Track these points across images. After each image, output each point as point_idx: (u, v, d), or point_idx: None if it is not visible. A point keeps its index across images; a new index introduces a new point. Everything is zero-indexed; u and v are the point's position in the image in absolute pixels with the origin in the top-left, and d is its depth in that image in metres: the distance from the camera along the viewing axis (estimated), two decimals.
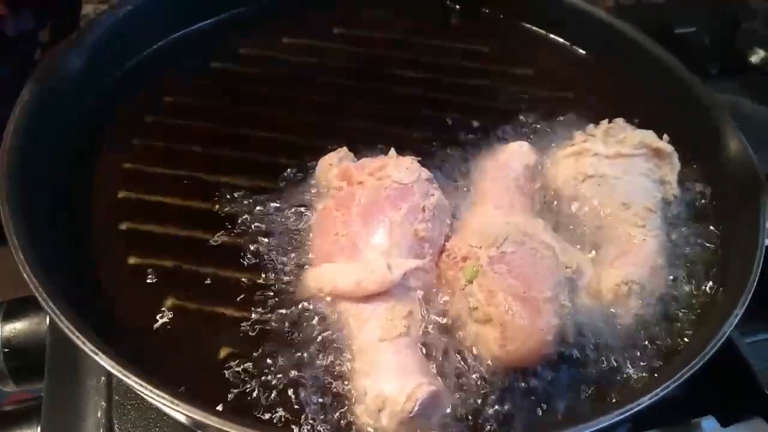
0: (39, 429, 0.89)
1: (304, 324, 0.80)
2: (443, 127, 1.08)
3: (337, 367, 0.76)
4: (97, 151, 0.97)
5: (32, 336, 0.99)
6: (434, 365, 0.77)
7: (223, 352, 0.78)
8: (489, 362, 0.77)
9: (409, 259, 0.81)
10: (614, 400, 0.76)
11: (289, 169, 0.96)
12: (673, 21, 1.48)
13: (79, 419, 0.86)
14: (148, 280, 0.84)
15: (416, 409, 0.69)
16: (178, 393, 0.64)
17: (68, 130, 0.97)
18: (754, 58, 1.47)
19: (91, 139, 0.98)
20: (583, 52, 1.27)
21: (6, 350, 0.99)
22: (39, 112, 0.91)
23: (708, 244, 0.94)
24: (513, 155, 0.97)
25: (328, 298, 0.80)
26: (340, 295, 0.79)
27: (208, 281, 0.85)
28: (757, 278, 0.82)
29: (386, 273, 0.77)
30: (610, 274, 0.85)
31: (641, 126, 1.00)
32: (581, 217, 0.92)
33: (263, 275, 0.84)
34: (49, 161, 0.92)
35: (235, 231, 0.89)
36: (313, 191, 0.93)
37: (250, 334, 0.79)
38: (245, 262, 0.86)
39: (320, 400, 0.73)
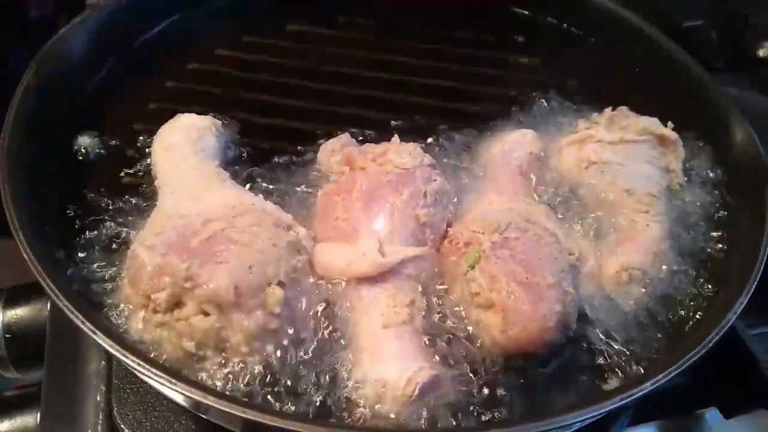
0: (39, 414, 0.88)
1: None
2: (448, 114, 1.07)
3: (338, 352, 0.75)
4: (99, 135, 0.97)
5: (33, 322, 0.99)
6: (435, 350, 0.76)
7: None
8: (490, 348, 0.76)
9: (409, 245, 0.81)
10: (616, 387, 0.75)
11: (292, 155, 0.96)
12: (681, 14, 1.47)
13: (78, 404, 0.86)
14: None
15: (416, 393, 0.69)
16: (176, 373, 0.63)
17: (69, 114, 0.97)
18: (761, 52, 1.46)
19: (93, 124, 0.98)
20: (590, 41, 1.26)
21: (7, 336, 0.99)
22: (40, 96, 0.91)
23: (714, 233, 0.93)
24: (517, 143, 0.96)
25: (329, 283, 0.79)
26: (333, 275, 0.78)
27: None
28: (762, 268, 0.81)
29: (377, 257, 0.77)
30: (611, 260, 0.84)
31: (647, 116, 0.99)
32: (585, 203, 0.92)
33: None
34: (50, 145, 0.92)
35: None
36: (315, 176, 0.93)
37: None
38: None
39: (321, 384, 0.73)
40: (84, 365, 0.89)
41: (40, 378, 0.93)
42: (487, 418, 0.72)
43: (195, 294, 0.69)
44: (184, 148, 0.88)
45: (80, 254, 0.82)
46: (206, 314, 0.69)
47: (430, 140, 1.00)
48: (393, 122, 1.03)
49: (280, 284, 0.72)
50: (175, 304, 0.70)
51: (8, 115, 0.86)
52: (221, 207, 0.78)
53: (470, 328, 0.78)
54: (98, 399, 0.85)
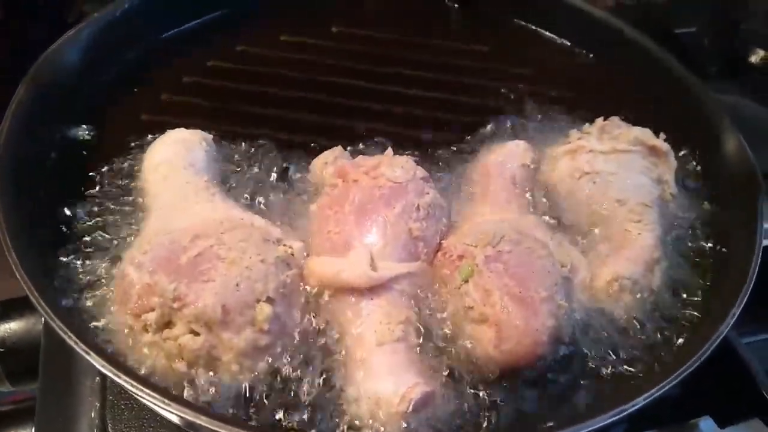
0: (33, 429, 0.88)
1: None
2: (440, 125, 1.07)
3: (331, 369, 0.75)
4: (92, 148, 0.97)
5: (27, 336, 0.99)
6: (429, 365, 0.76)
7: None
8: (484, 362, 0.76)
9: (401, 258, 0.81)
10: (610, 400, 0.75)
11: (284, 167, 0.96)
12: (673, 21, 1.47)
13: (73, 419, 0.86)
14: None
15: (410, 409, 0.69)
16: (169, 393, 0.63)
17: (62, 128, 0.97)
18: (754, 59, 1.46)
19: (86, 137, 0.98)
20: (582, 51, 1.27)
21: (1, 350, 0.99)
22: (35, 109, 0.91)
23: (706, 243, 0.94)
24: (510, 154, 0.96)
25: (322, 298, 0.79)
26: (323, 285, 0.78)
27: None
28: (754, 278, 0.82)
29: (366, 269, 0.77)
30: (603, 270, 0.84)
31: (639, 126, 0.99)
32: (578, 213, 0.92)
33: None
34: (44, 161, 0.92)
35: None
36: (308, 189, 0.93)
37: None
38: None
39: (314, 401, 0.72)
40: (78, 381, 0.89)
41: (34, 391, 0.93)
42: None
43: (183, 314, 0.69)
44: (174, 163, 0.88)
45: (72, 270, 0.81)
46: (196, 334, 0.69)
47: (423, 153, 1.00)
48: (386, 134, 1.03)
49: (269, 300, 0.72)
50: (165, 323, 0.70)
51: (1, 131, 0.86)
52: (210, 222, 0.78)
53: (464, 342, 0.78)
54: (93, 415, 0.85)
